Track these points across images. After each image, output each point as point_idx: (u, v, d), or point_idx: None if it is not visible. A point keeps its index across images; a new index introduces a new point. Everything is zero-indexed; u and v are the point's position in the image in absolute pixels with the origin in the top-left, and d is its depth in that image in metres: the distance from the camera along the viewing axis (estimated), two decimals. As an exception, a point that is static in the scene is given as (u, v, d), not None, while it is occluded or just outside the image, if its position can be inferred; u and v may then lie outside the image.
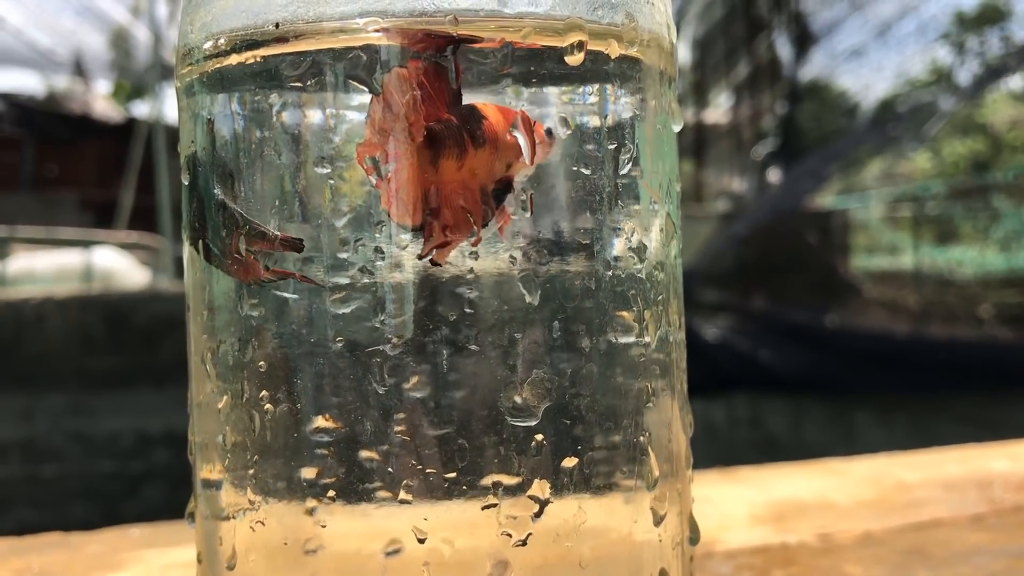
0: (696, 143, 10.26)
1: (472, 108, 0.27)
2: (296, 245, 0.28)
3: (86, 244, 6.00)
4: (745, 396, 4.94)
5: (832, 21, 9.49)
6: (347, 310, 0.28)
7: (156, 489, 3.54)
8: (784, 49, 9.80)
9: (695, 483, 0.67)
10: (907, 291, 7.65)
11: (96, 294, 4.18)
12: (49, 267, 5.59)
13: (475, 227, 0.27)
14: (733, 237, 7.29)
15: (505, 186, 0.28)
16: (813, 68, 10.04)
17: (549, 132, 0.28)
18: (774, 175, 9.19)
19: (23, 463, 3.70)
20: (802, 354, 5.71)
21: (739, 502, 0.63)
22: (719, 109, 10.60)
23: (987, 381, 5.05)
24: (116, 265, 5.78)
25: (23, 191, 11.75)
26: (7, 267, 5.39)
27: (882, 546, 0.53)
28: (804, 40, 9.64)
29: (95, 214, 10.80)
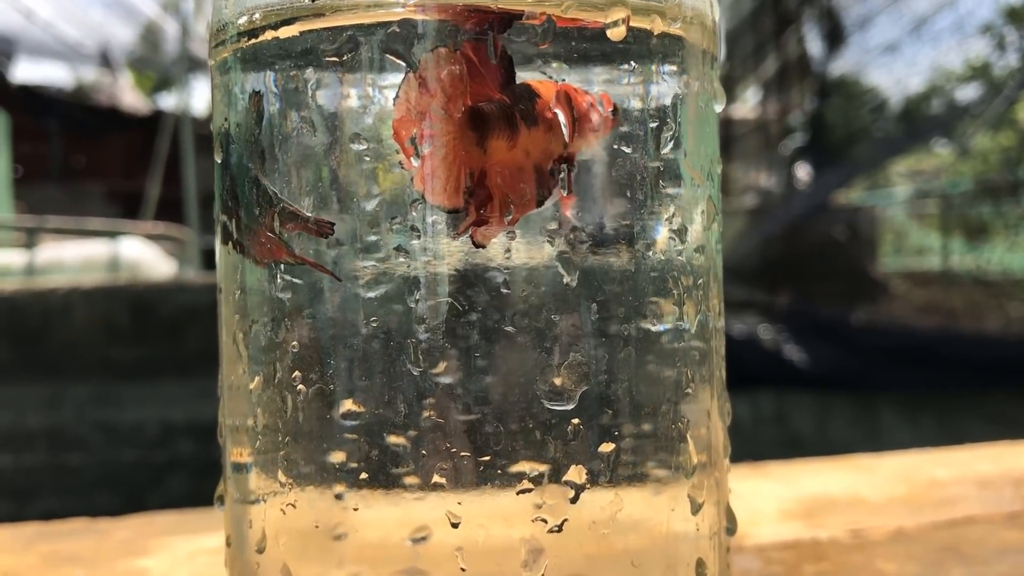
0: (724, 138, 10.22)
1: (525, 87, 0.27)
2: (326, 230, 0.28)
3: (113, 235, 6.03)
4: (770, 393, 4.90)
5: (864, 16, 9.39)
6: (380, 292, 0.27)
7: (179, 479, 3.56)
8: (814, 44, 9.72)
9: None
10: (935, 288, 7.58)
11: (122, 285, 4.20)
12: (76, 257, 5.62)
13: (524, 206, 0.27)
14: (764, 238, 7.25)
15: (565, 163, 0.27)
16: (844, 63, 9.95)
17: (615, 109, 0.27)
18: (803, 171, 9.12)
19: (49, 451, 3.73)
20: (829, 351, 5.67)
21: (768, 498, 0.62)
22: (747, 104, 10.55)
23: (1016, 380, 4.99)
24: (142, 256, 5.81)
25: (51, 182, 11.84)
26: (35, 257, 5.43)
27: (915, 543, 0.52)
28: (835, 35, 9.56)
29: (122, 205, 10.87)
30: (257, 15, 0.28)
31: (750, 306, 6.24)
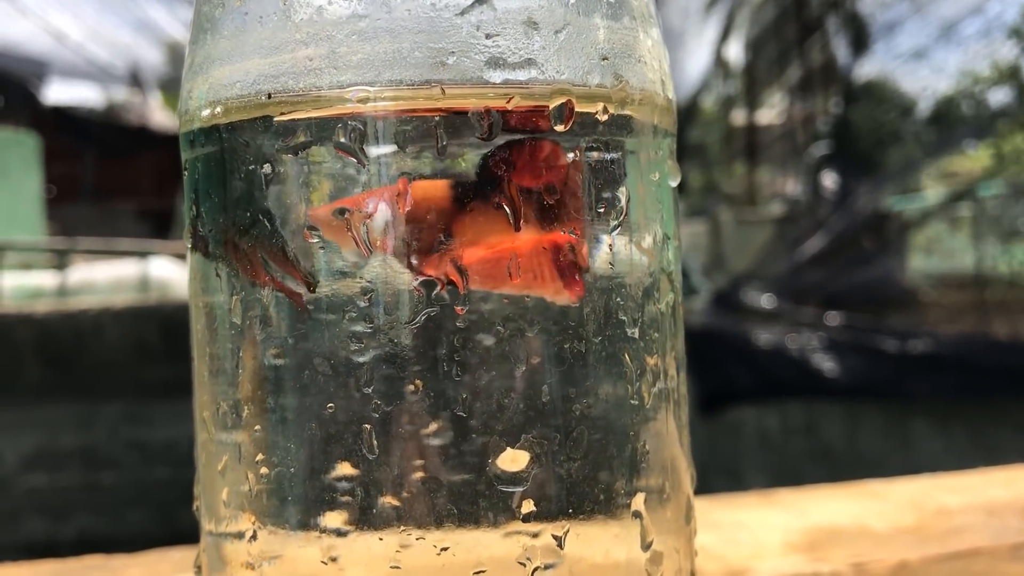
0: (749, 145, 10.17)
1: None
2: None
3: (143, 255, 6.07)
4: (799, 403, 4.84)
5: (891, 21, 9.28)
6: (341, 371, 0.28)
7: (212, 496, 3.58)
8: (840, 50, 9.64)
9: (731, 508, 0.66)
10: (966, 293, 7.48)
11: (153, 304, 4.23)
12: (107, 278, 5.66)
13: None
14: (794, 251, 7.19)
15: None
16: (870, 68, 9.86)
17: None
18: (830, 177, 9.02)
19: (83, 470, 3.76)
20: (858, 359, 5.60)
21: (775, 528, 0.62)
22: (772, 111, 10.47)
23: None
24: (172, 275, 5.85)
25: (83, 201, 11.95)
26: (67, 278, 5.48)
27: (916, 578, 0.52)
28: (861, 40, 9.48)
29: (152, 223, 10.95)
30: (219, 108, 0.28)
31: (777, 315, 6.19)
